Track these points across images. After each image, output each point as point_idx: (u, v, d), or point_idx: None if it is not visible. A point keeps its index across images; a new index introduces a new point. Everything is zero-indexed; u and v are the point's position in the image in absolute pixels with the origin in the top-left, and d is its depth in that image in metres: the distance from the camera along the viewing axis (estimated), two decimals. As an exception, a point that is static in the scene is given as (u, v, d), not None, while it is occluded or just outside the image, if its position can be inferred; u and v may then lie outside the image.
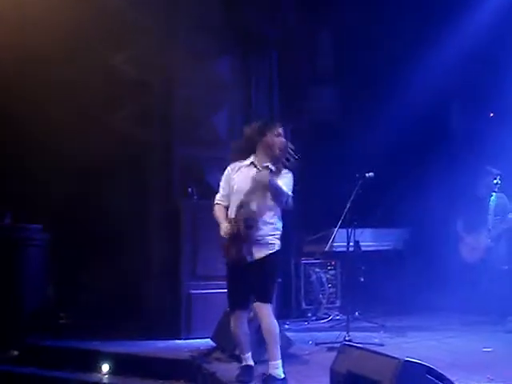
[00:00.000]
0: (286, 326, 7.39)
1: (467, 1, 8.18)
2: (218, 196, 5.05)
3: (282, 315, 7.51)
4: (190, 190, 7.32)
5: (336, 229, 6.83)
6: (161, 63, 7.38)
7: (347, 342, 5.39)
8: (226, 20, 7.67)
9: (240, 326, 4.92)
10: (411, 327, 7.27)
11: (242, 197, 4.75)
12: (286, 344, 5.67)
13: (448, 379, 3.20)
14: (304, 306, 8.18)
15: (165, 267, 7.17)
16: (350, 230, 6.90)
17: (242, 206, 4.72)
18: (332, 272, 8.38)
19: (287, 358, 5.40)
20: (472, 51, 8.15)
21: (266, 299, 4.80)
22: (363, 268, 7.92)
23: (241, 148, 5.06)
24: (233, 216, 4.77)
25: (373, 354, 3.55)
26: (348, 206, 6.53)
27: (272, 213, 4.84)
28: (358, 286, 7.80)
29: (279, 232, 4.95)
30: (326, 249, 7.45)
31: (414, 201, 8.42)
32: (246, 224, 4.63)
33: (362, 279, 7.86)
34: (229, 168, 5.05)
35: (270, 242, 4.82)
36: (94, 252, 7.58)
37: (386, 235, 8.83)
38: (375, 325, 7.32)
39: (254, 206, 4.71)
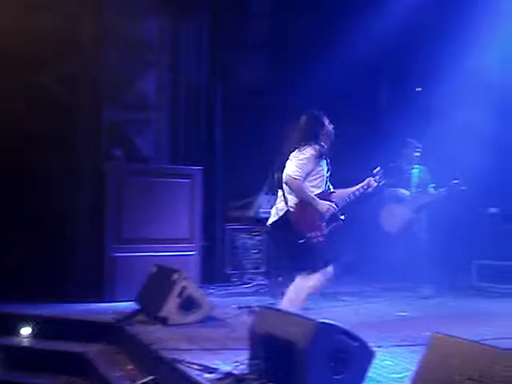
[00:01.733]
0: (211, 291, 7.46)
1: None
2: (299, 172, 4.88)
3: (206, 280, 7.60)
4: (116, 153, 7.25)
5: (260, 194, 6.87)
6: (87, 23, 7.20)
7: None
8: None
9: None
10: (333, 293, 7.43)
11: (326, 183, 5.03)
12: (209, 308, 5.74)
13: (360, 339, 3.33)
14: (228, 271, 8.26)
15: (90, 230, 7.10)
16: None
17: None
18: (258, 238, 8.47)
19: (210, 320, 5.49)
20: (400, 26, 8.26)
21: None
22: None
23: (303, 135, 5.04)
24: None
25: (290, 317, 3.64)
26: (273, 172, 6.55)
27: None
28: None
29: None
30: (251, 214, 7.52)
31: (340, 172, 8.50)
32: None
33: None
34: (315, 152, 4.95)
35: None
36: (18, 215, 7.39)
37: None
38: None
39: None
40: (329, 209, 4.91)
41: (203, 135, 8.34)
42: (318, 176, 4.97)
